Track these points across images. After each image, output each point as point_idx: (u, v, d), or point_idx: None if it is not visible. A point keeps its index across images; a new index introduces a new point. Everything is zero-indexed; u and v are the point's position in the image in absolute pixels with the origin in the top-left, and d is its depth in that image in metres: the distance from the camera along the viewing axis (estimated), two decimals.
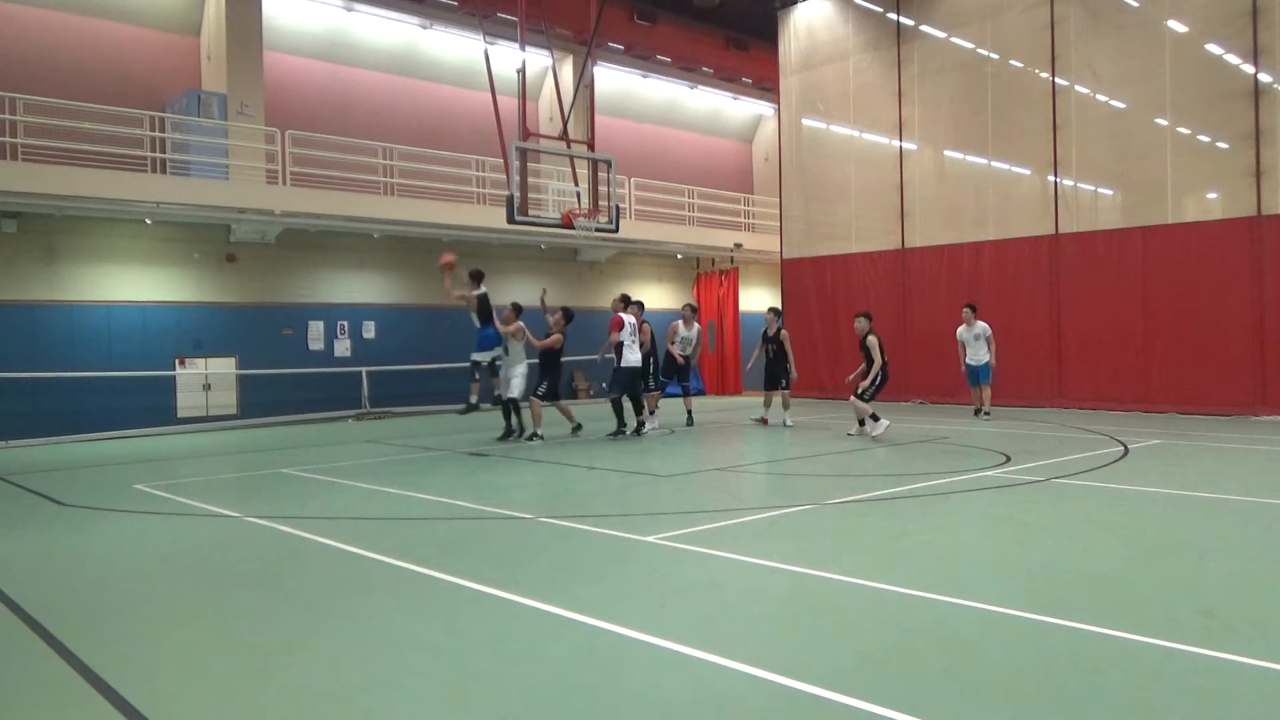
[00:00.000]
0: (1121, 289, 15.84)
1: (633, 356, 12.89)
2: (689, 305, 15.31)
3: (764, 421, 14.53)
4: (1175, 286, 15.27)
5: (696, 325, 14.91)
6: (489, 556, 5.97)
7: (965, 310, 14.72)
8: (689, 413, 14.87)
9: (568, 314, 13.07)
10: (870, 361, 12.14)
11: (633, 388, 13.17)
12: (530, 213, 14.36)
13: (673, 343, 14.73)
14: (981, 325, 14.59)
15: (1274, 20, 14.34)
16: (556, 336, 12.79)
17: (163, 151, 15.89)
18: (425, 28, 19.99)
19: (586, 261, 21.73)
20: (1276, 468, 9.52)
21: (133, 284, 15.53)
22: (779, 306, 16.76)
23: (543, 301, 13.83)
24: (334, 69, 19.42)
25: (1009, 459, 9.99)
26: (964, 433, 12.65)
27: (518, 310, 12.66)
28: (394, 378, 18.07)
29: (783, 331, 14.09)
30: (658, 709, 3.42)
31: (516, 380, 12.66)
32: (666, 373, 14.86)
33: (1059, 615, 4.37)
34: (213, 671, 3.98)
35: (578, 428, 13.18)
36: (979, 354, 14.52)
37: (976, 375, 14.65)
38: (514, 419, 13.02)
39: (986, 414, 14.55)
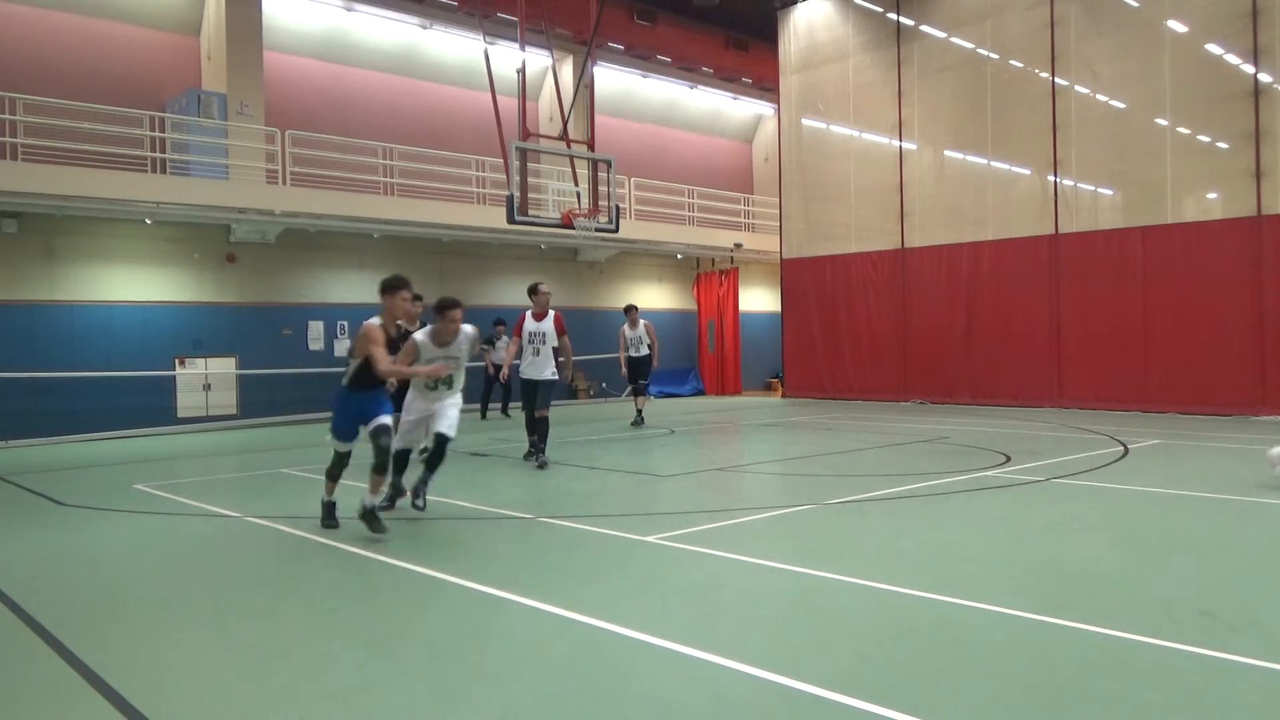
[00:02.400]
0: (1121, 289, 15.83)
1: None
2: (631, 305, 15.35)
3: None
4: (1175, 286, 15.26)
5: (641, 323, 14.91)
6: (489, 556, 5.97)
7: None
8: (638, 412, 14.86)
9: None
10: None
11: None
12: (530, 213, 14.40)
13: (625, 347, 14.85)
14: None
15: (1274, 20, 14.34)
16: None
17: (163, 151, 15.87)
18: (425, 28, 19.97)
19: (586, 262, 21.72)
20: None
21: (133, 284, 15.52)
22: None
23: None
24: (334, 69, 19.40)
25: (1009, 459, 9.99)
26: (964, 433, 12.64)
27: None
28: None
29: None
30: (658, 709, 3.42)
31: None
32: (631, 376, 15.00)
33: (1059, 615, 4.37)
34: (213, 671, 3.98)
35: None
36: None
37: None
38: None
39: None
